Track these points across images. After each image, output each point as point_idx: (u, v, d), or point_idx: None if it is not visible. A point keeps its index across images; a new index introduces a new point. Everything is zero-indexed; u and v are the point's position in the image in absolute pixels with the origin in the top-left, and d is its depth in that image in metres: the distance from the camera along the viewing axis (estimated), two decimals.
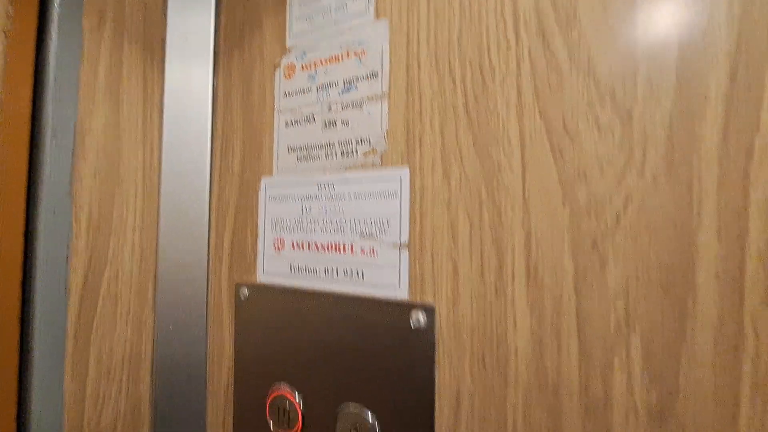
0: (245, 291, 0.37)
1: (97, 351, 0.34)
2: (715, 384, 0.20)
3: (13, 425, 0.31)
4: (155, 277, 0.38)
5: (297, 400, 0.34)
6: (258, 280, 0.36)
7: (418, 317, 0.28)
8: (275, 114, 0.36)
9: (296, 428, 0.34)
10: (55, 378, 0.32)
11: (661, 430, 0.21)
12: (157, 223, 0.39)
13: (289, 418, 0.34)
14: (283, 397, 0.34)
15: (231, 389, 0.37)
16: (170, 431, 0.36)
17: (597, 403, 0.23)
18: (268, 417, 0.35)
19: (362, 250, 0.31)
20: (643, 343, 0.22)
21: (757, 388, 0.20)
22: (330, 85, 0.33)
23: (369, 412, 0.30)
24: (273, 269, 0.35)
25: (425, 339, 0.28)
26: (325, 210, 0.33)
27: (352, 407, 0.31)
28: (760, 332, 0.20)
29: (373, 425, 0.30)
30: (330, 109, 0.33)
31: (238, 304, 0.37)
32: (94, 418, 0.34)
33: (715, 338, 0.20)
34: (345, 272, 0.32)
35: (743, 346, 0.20)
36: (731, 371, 0.20)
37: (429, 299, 0.28)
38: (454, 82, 0.28)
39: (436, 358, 0.27)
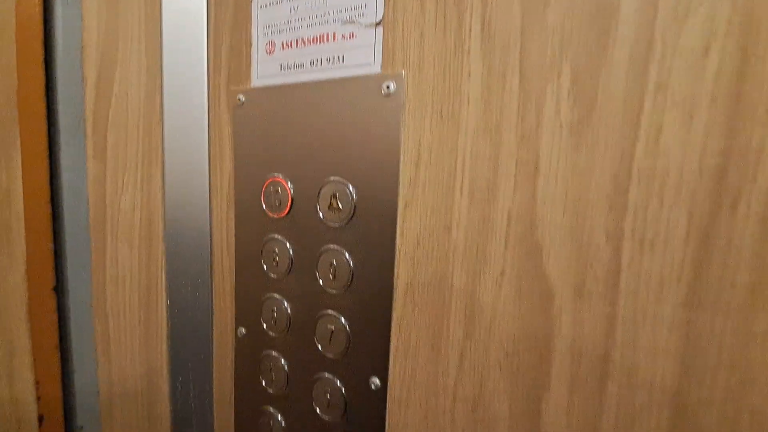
0: (241, 97, 0.41)
1: (114, 139, 0.39)
2: (626, 91, 0.24)
3: (47, 188, 0.37)
4: (161, 88, 0.42)
5: (288, 185, 0.39)
6: (252, 85, 0.40)
7: (389, 85, 0.32)
8: None
9: (286, 209, 0.39)
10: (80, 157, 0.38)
11: (579, 141, 0.26)
12: (161, 44, 0.42)
13: (280, 202, 0.40)
14: (275, 183, 0.40)
15: (232, 184, 0.42)
16: (180, 215, 0.42)
17: (530, 131, 0.27)
18: (263, 202, 0.40)
19: (343, 36, 0.34)
20: (572, 68, 0.25)
21: (659, 88, 0.23)
22: None
23: (346, 181, 0.35)
24: (265, 72, 0.39)
25: (394, 104, 0.32)
26: (311, 5, 0.36)
27: (333, 179, 0.36)
28: (667, 41, 0.23)
29: (350, 190, 0.35)
30: None
31: (235, 110, 0.41)
32: (115, 201, 0.40)
33: (630, 53, 0.24)
34: (328, 60, 0.35)
35: (652, 55, 0.23)
36: (640, 78, 0.24)
37: (399, 69, 0.32)
38: None
39: (402, 119, 0.32)
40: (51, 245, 0.35)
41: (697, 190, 0.23)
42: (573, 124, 0.26)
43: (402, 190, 0.32)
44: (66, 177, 0.37)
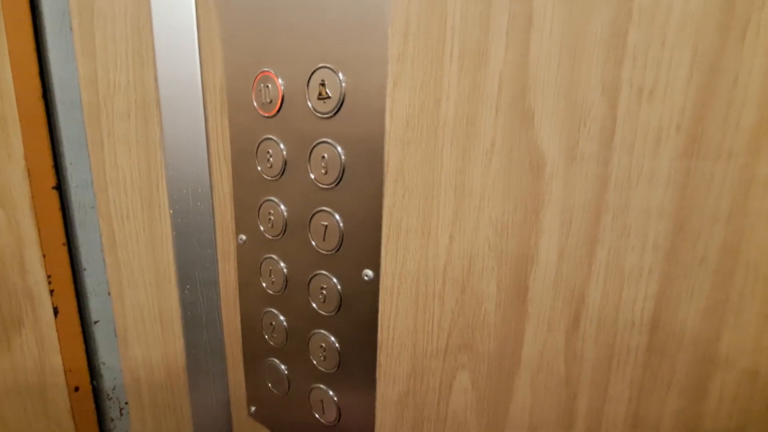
0: None
1: (102, 37, 0.38)
2: None
3: (38, 83, 0.36)
4: None
5: (278, 80, 0.38)
6: None
7: None
8: None
9: (277, 106, 0.38)
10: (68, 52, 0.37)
11: None
12: None
13: (271, 99, 0.39)
14: (266, 78, 0.38)
15: (224, 84, 0.41)
16: (175, 121, 0.42)
17: None
18: (254, 100, 0.40)
19: None
20: None
21: None
22: None
23: (335, 67, 0.33)
24: None
25: None
26: None
27: (321, 66, 0.34)
28: None
29: (339, 77, 0.34)
30: None
31: (222, 2, 0.40)
32: (108, 101, 0.40)
33: None
34: None
35: None
36: None
37: None
38: None
39: None
40: (48, 143, 0.36)
41: (703, 23, 0.20)
42: None
43: (390, 68, 0.30)
44: (57, 74, 0.37)
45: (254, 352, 0.48)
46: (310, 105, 0.36)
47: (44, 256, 0.37)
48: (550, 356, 0.28)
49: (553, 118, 0.25)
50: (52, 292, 0.38)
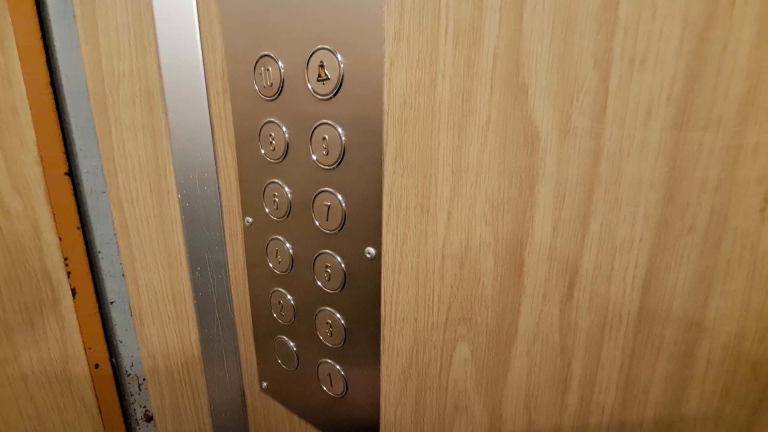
0: None
1: (104, 24, 0.39)
2: None
3: (45, 71, 0.37)
4: None
5: (278, 63, 0.38)
6: None
7: None
8: None
9: (278, 89, 0.39)
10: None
11: None
12: None
13: (272, 82, 0.40)
14: (266, 61, 0.39)
15: (225, 69, 0.42)
16: (180, 107, 0.43)
17: None
18: (255, 84, 0.40)
19: None
20: None
21: None
22: None
23: (334, 48, 0.34)
24: None
25: None
26: None
27: (320, 48, 0.34)
28: None
29: (337, 58, 0.34)
30: None
31: None
32: (114, 89, 0.41)
33: None
34: None
35: None
36: None
37: None
38: None
39: None
40: (59, 130, 0.37)
41: None
42: None
43: (387, 47, 0.31)
44: (63, 62, 0.38)
45: (264, 330, 0.50)
46: (309, 87, 0.36)
47: (60, 239, 0.39)
48: (546, 326, 0.29)
49: (547, 92, 0.25)
50: (69, 274, 0.40)
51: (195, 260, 0.50)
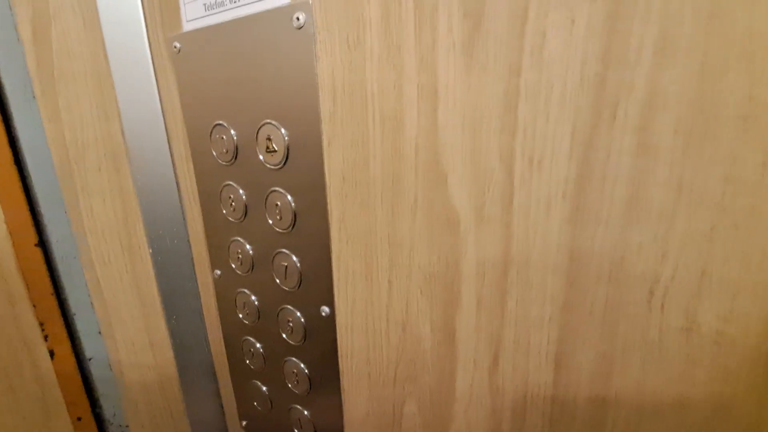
0: (177, 44, 0.41)
1: (65, 100, 0.41)
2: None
3: (8, 151, 0.39)
4: (103, 43, 0.43)
5: (231, 131, 0.40)
6: (184, 29, 0.40)
7: (298, 16, 0.31)
8: None
9: (233, 155, 0.41)
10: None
11: (471, 60, 0.25)
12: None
13: (227, 148, 0.41)
14: (220, 129, 0.41)
15: (185, 133, 0.44)
16: (146, 169, 0.45)
17: (427, 52, 0.26)
18: (212, 149, 0.42)
19: None
20: None
21: None
22: None
23: (278, 123, 0.36)
24: (193, 14, 0.39)
25: (306, 36, 0.31)
26: None
27: (266, 122, 0.36)
28: None
29: (282, 132, 0.36)
30: None
31: (174, 58, 0.42)
32: (80, 159, 0.43)
33: None
34: None
35: None
36: None
37: None
38: None
39: (315, 52, 0.31)
40: (26, 204, 0.39)
41: (579, 103, 0.22)
42: (465, 42, 0.25)
43: (324, 127, 0.33)
44: (25, 140, 0.40)
45: (239, 375, 0.52)
46: (260, 157, 0.38)
47: (35, 306, 0.41)
48: (478, 389, 0.30)
49: (463, 180, 0.27)
50: (46, 337, 0.42)
51: (171, 309, 0.52)
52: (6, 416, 0.42)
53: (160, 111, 0.45)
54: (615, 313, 0.23)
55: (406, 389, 0.35)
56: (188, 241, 0.49)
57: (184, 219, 0.48)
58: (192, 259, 0.50)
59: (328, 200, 0.34)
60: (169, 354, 0.53)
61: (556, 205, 0.24)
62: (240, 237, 0.44)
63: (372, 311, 0.35)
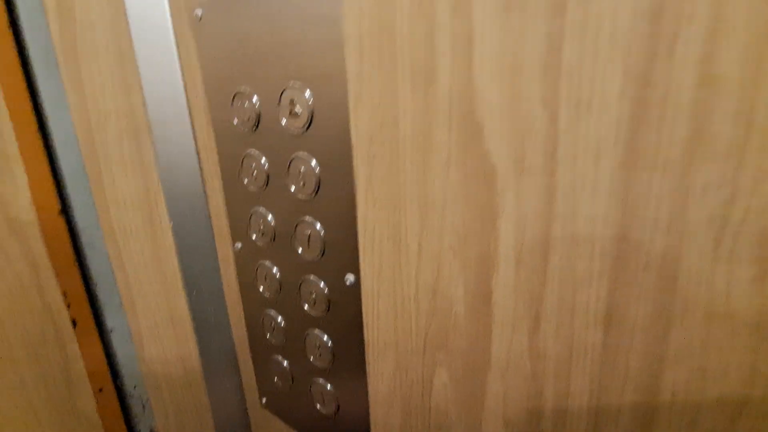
0: (198, 11, 0.40)
1: (88, 70, 0.41)
2: None
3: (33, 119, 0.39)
4: (125, 13, 0.42)
5: (253, 98, 0.39)
6: None
7: None
8: None
9: (255, 122, 0.40)
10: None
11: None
12: None
13: (249, 115, 0.41)
14: (242, 96, 0.40)
15: (207, 103, 0.43)
16: (167, 140, 0.44)
17: None
18: (234, 117, 0.41)
19: None
20: None
21: None
22: None
23: (303, 85, 0.34)
24: None
25: None
26: None
27: (291, 84, 0.35)
28: None
29: (306, 95, 0.35)
30: None
31: (196, 26, 0.41)
32: (101, 129, 0.42)
33: None
34: None
35: None
36: None
37: None
38: None
39: (341, 4, 0.30)
40: (50, 173, 0.39)
41: (632, 38, 0.20)
42: None
43: (351, 86, 0.31)
44: (50, 108, 0.39)
45: (260, 350, 0.52)
46: (283, 121, 0.37)
47: (57, 275, 0.41)
48: (516, 354, 0.29)
49: (501, 132, 0.25)
50: (68, 306, 0.42)
51: (191, 285, 0.52)
52: (30, 385, 0.42)
53: (181, 82, 0.44)
54: (675, 265, 0.22)
55: (437, 358, 0.34)
56: (208, 214, 0.48)
57: (204, 192, 0.48)
58: (212, 232, 0.49)
59: (355, 163, 0.33)
60: (189, 329, 0.53)
61: (607, 150, 0.22)
62: (261, 207, 0.43)
63: (400, 277, 0.34)
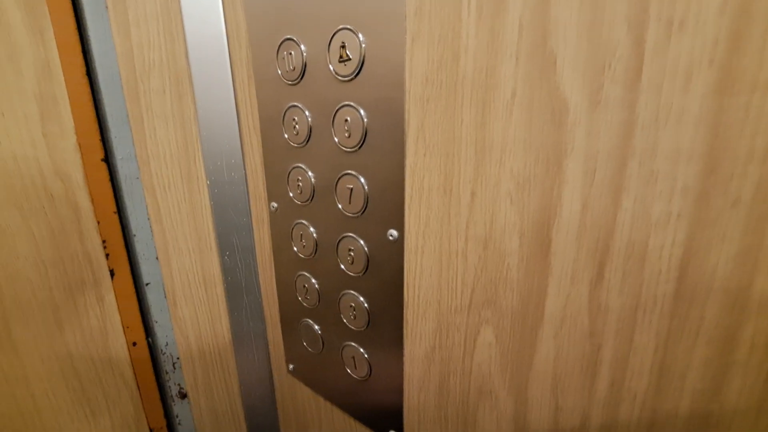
0: None
1: (134, 15, 0.40)
2: None
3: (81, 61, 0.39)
4: None
5: (300, 46, 0.38)
6: None
7: None
8: None
9: (300, 72, 0.39)
10: None
11: None
12: None
13: (294, 66, 0.40)
14: (288, 45, 0.39)
15: (249, 55, 0.42)
16: (207, 94, 0.44)
17: None
18: (278, 68, 0.40)
19: None
20: None
21: None
22: None
23: (355, 28, 0.33)
24: None
25: None
26: None
27: (341, 28, 0.34)
28: None
29: (359, 38, 0.34)
30: None
31: None
32: (145, 78, 0.42)
33: None
34: None
35: None
36: None
37: None
38: None
39: None
40: (95, 118, 0.39)
41: None
42: None
43: (408, 24, 0.30)
44: (97, 52, 0.39)
45: (290, 314, 0.51)
46: (331, 68, 0.36)
47: (99, 222, 0.41)
48: (574, 309, 0.28)
49: (576, 61, 0.24)
50: (107, 255, 0.43)
51: (224, 245, 0.52)
52: (68, 334, 0.42)
53: (224, 33, 0.44)
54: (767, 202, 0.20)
55: (482, 316, 0.33)
56: (245, 174, 0.48)
57: (242, 151, 0.47)
58: (248, 193, 0.49)
59: (407, 108, 0.32)
60: (220, 290, 0.53)
61: (700, 74, 0.21)
62: (301, 163, 0.42)
63: (448, 230, 0.33)
